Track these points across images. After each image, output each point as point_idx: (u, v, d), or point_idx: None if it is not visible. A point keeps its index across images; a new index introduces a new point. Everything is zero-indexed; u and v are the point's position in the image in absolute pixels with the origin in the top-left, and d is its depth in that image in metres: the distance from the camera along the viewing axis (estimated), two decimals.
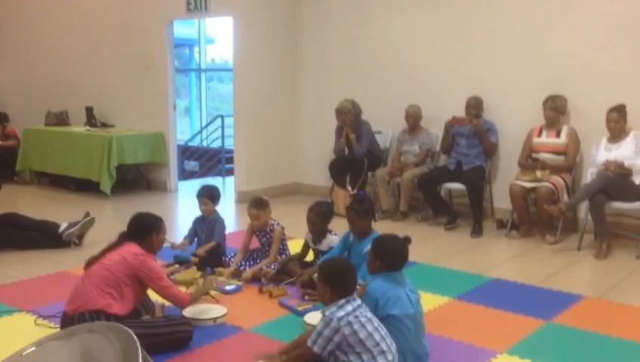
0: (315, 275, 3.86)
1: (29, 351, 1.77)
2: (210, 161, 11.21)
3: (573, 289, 4.09)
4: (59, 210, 6.29)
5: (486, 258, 5.04)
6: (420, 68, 6.47)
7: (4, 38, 9.17)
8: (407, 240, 3.03)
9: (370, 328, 2.55)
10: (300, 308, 3.63)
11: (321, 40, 7.15)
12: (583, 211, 5.25)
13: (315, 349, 2.54)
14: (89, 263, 3.20)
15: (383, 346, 2.56)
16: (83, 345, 1.62)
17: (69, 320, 3.03)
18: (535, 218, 5.51)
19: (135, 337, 1.58)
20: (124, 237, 3.30)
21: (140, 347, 1.53)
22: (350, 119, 6.30)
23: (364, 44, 6.83)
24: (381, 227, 4.06)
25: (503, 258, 5.05)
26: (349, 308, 2.57)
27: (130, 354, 1.50)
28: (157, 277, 3.21)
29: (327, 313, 2.58)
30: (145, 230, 3.29)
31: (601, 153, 5.19)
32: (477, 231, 5.59)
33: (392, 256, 2.93)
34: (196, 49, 15.67)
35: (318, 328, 2.57)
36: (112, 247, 3.25)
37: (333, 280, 2.62)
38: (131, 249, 3.20)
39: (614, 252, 4.99)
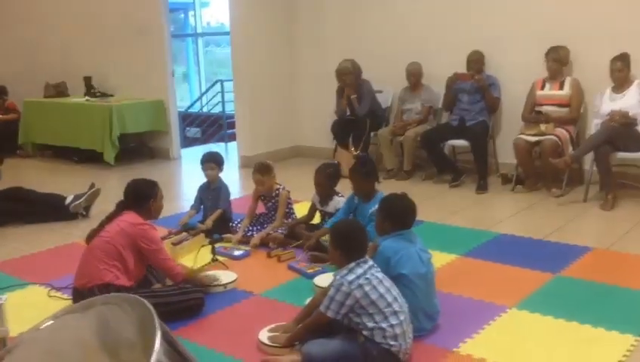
0: (323, 238, 3.91)
1: (46, 324, 1.79)
2: (212, 126, 11.17)
3: (581, 242, 4.11)
4: (63, 182, 6.31)
5: (492, 213, 5.06)
6: (419, 24, 6.38)
7: None
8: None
9: (381, 289, 2.57)
10: (309, 271, 3.66)
11: None
12: (588, 163, 5.23)
13: (329, 314, 2.56)
14: (90, 236, 3.19)
15: (395, 306, 2.57)
16: (100, 317, 1.64)
17: (79, 294, 3.06)
18: (540, 171, 5.50)
19: (151, 307, 1.59)
20: (122, 207, 3.25)
21: (155, 316, 1.54)
22: (351, 80, 6.24)
23: (361, 2, 6.72)
24: (385, 187, 4.06)
25: (509, 213, 5.05)
26: (360, 270, 2.58)
27: (147, 324, 1.51)
28: (156, 248, 3.16)
29: (337, 277, 2.59)
30: (142, 197, 3.23)
31: (606, 103, 5.15)
32: (482, 187, 5.58)
33: (401, 215, 2.95)
34: (191, 13, 15.45)
35: (330, 293, 2.58)
36: (110, 218, 3.22)
37: (343, 243, 2.62)
38: (130, 218, 3.16)
39: (620, 202, 4.98)
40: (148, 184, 3.31)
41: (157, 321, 1.50)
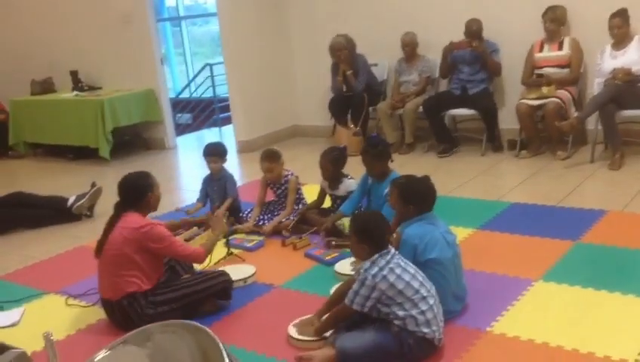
0: (339, 222, 3.86)
1: (101, 356, 1.70)
2: (204, 112, 10.96)
3: (595, 205, 4.08)
4: (62, 181, 6.19)
5: (500, 182, 5.02)
6: None
7: None
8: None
9: (406, 277, 2.52)
10: (327, 258, 3.61)
11: None
12: (592, 123, 5.19)
13: (355, 307, 2.53)
14: (98, 248, 3.04)
15: (423, 291, 2.54)
16: (157, 347, 1.56)
17: (109, 305, 3.04)
18: (544, 135, 5.45)
19: (214, 335, 1.51)
20: (120, 208, 3.06)
21: (221, 345, 1.46)
22: (345, 55, 6.13)
23: None
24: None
25: (517, 180, 4.99)
26: (382, 262, 2.53)
27: (208, 351, 1.44)
28: (168, 244, 2.99)
29: (361, 270, 2.55)
30: (139, 193, 3.03)
31: (607, 61, 5.09)
32: (497, 148, 5.72)
33: (423, 197, 2.90)
34: None
35: (354, 287, 2.55)
36: (111, 223, 3.03)
37: (367, 237, 2.57)
38: (131, 223, 2.97)
39: (627, 160, 4.95)
40: (142, 176, 3.09)
41: (222, 348, 1.42)
